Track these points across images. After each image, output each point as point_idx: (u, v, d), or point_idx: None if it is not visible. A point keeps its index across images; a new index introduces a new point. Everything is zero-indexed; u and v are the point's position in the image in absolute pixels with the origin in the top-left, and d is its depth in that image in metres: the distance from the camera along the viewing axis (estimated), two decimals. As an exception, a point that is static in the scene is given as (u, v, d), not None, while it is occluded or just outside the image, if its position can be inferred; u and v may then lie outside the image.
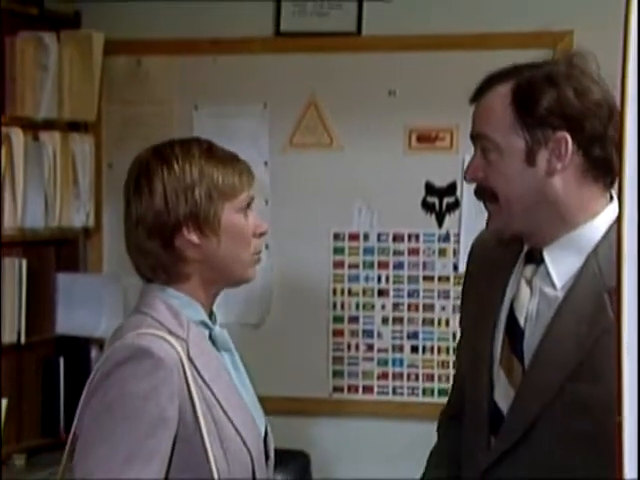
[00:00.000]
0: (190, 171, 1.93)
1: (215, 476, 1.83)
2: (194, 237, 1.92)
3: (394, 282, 3.56)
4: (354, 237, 3.59)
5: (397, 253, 3.57)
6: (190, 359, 1.87)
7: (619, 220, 1.28)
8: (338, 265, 3.59)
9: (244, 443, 1.89)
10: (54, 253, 3.64)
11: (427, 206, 3.55)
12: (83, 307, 3.57)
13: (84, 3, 3.66)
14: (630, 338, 1.24)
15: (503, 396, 1.94)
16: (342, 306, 3.59)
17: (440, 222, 3.56)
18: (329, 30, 3.55)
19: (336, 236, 3.59)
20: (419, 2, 3.49)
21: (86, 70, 3.49)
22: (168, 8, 3.64)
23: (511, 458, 1.91)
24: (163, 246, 1.93)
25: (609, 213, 1.91)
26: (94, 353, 3.65)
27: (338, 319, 3.60)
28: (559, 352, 1.87)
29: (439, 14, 3.45)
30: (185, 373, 1.84)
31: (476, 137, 1.93)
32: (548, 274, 1.91)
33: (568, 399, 1.85)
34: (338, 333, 3.60)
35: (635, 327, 1.25)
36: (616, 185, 1.87)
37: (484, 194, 1.94)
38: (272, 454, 2.03)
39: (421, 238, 3.53)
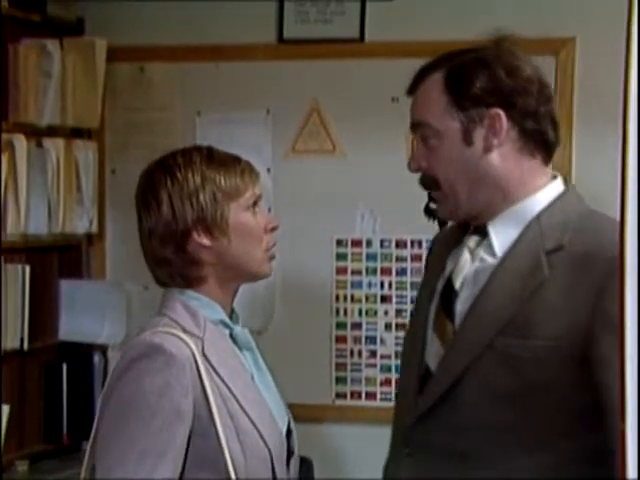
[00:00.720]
0: (193, 177, 1.97)
1: (231, 469, 1.87)
2: (205, 240, 1.97)
3: (397, 288, 3.56)
4: (357, 243, 3.59)
5: (400, 259, 3.57)
6: (205, 356, 1.91)
7: (621, 222, 1.28)
8: (341, 271, 3.59)
9: (261, 437, 1.92)
10: (57, 259, 3.65)
11: (430, 212, 3.55)
12: (86, 313, 3.57)
13: (87, 10, 3.67)
14: (632, 344, 1.24)
15: (433, 356, 1.97)
16: (345, 312, 3.60)
17: (442, 225, 3.55)
18: (332, 37, 3.56)
19: (339, 242, 3.60)
20: (422, 8, 3.50)
21: (89, 77, 3.49)
22: (171, 15, 3.65)
23: (436, 414, 1.93)
24: (176, 253, 1.97)
25: (552, 189, 1.97)
26: (97, 359, 3.65)
27: (341, 325, 3.60)
28: (491, 309, 1.90)
29: (442, 20, 3.46)
30: (198, 369, 1.88)
31: (415, 126, 1.99)
32: (490, 245, 1.96)
33: (497, 353, 1.87)
34: (341, 339, 3.60)
35: (635, 333, 1.25)
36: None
37: (428, 183, 2.00)
38: (296, 451, 2.06)
39: (424, 244, 3.53)
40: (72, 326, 3.58)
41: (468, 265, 1.98)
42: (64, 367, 3.59)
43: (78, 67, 3.48)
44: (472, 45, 2.01)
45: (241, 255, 2.00)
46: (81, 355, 3.64)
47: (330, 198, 3.59)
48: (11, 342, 3.31)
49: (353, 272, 3.59)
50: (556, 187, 1.98)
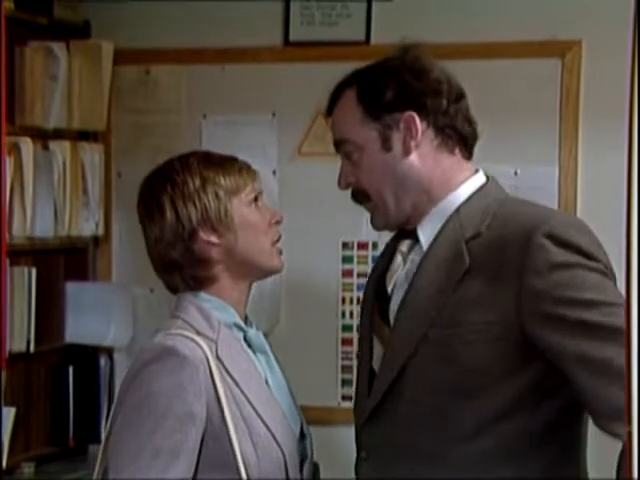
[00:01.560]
0: (192, 179, 2.00)
1: (242, 472, 1.87)
2: (212, 238, 1.99)
3: (403, 291, 3.56)
4: (363, 246, 3.59)
5: (406, 262, 3.56)
6: (218, 358, 1.93)
7: (627, 223, 1.28)
8: (347, 274, 3.59)
9: (274, 439, 1.93)
10: (63, 262, 3.65)
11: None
12: (92, 316, 3.57)
13: (94, 13, 3.67)
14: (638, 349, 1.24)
15: (377, 358, 2.02)
16: (351, 315, 3.59)
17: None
18: (338, 39, 3.56)
19: (345, 245, 3.59)
20: (427, 11, 3.49)
21: (95, 79, 3.49)
22: (177, 18, 3.65)
23: (381, 414, 1.96)
24: (185, 255, 1.99)
25: (472, 183, 2.01)
26: (103, 362, 3.65)
27: (347, 328, 3.60)
28: (421, 301, 1.94)
29: (447, 23, 3.45)
30: (211, 371, 1.89)
31: (338, 144, 2.07)
32: (421, 246, 2.00)
33: (431, 345, 1.90)
34: (347, 342, 3.60)
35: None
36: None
37: (359, 197, 2.06)
38: (310, 455, 2.07)
39: (430, 247, 3.53)
40: (78, 328, 3.58)
41: (400, 268, 2.02)
42: (70, 369, 3.59)
43: (84, 70, 3.48)
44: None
45: (249, 249, 2.02)
46: (87, 357, 3.64)
47: (336, 201, 3.55)
48: (17, 345, 3.31)
49: (359, 275, 3.59)
50: (477, 180, 2.02)
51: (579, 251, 1.85)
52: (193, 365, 1.88)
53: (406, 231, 2.05)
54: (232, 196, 2.01)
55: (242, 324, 2.04)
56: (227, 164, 2.05)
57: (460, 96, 2.03)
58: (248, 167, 2.08)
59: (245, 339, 2.04)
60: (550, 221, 1.88)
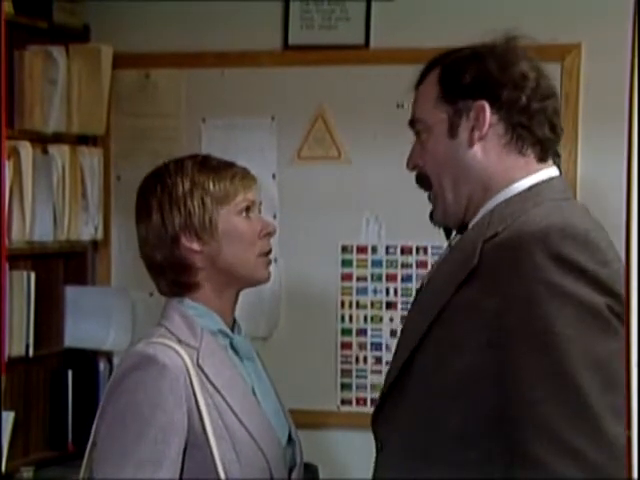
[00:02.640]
0: (182, 183, 1.98)
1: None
2: (194, 245, 1.97)
3: (402, 295, 3.56)
4: (362, 250, 3.58)
5: (405, 266, 3.56)
6: (199, 366, 1.90)
7: (627, 225, 1.28)
8: (346, 278, 3.59)
9: (258, 447, 1.91)
10: (62, 266, 3.65)
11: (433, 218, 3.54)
12: (91, 320, 3.57)
13: (93, 17, 3.67)
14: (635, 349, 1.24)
15: None
16: (350, 319, 3.59)
17: (448, 235, 3.55)
18: (337, 43, 3.56)
19: (344, 249, 3.59)
20: (427, 14, 3.50)
21: (95, 83, 3.49)
22: (177, 21, 3.65)
23: (385, 413, 1.93)
24: (168, 259, 1.98)
25: (528, 180, 1.89)
26: (102, 366, 3.65)
27: (346, 332, 3.59)
28: (429, 298, 1.89)
29: (447, 26, 3.45)
30: (191, 380, 1.87)
31: (412, 123, 1.99)
32: None
33: (431, 345, 1.84)
34: (346, 346, 3.59)
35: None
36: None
37: (422, 181, 1.99)
38: (299, 461, 2.05)
39: (429, 251, 3.53)
40: (77, 332, 3.58)
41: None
42: (69, 374, 3.59)
43: (84, 74, 3.48)
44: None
45: (232, 259, 1.99)
46: (86, 361, 3.63)
47: (335, 204, 3.58)
48: (17, 349, 3.31)
49: (358, 278, 3.58)
50: (533, 178, 1.90)
51: (578, 270, 1.73)
52: (173, 374, 1.87)
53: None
54: (220, 205, 1.98)
55: (227, 331, 2.02)
56: (222, 170, 2.01)
57: (547, 96, 1.91)
58: (245, 175, 2.04)
59: (231, 346, 2.02)
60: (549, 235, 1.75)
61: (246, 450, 1.91)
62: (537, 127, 1.89)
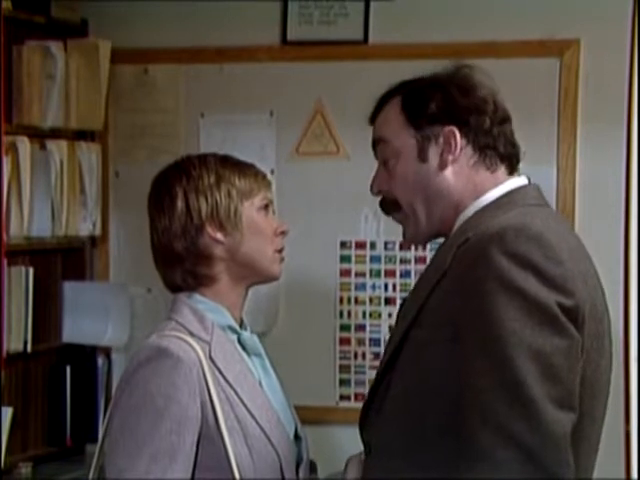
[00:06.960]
0: (207, 175, 2.03)
1: (236, 473, 1.87)
2: (218, 235, 2.00)
3: (401, 290, 3.56)
4: (361, 245, 3.58)
5: (404, 261, 3.56)
6: (212, 360, 1.93)
7: (626, 221, 1.29)
8: (345, 273, 3.59)
9: (269, 441, 1.93)
10: (61, 262, 3.65)
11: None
12: (89, 316, 3.57)
13: (91, 12, 3.67)
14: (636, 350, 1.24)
15: None
16: (349, 314, 3.59)
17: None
18: (336, 38, 3.55)
19: (343, 244, 3.59)
20: (425, 10, 3.49)
21: (93, 79, 3.49)
22: (175, 17, 3.65)
23: (369, 414, 1.99)
24: (189, 248, 2.00)
25: (499, 189, 1.97)
26: (100, 362, 3.65)
27: (345, 327, 3.60)
28: (411, 303, 1.95)
29: (446, 22, 3.45)
30: (204, 373, 1.89)
31: (376, 143, 2.07)
32: None
33: (410, 346, 1.90)
34: (345, 341, 3.60)
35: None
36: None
37: (388, 206, 2.05)
38: (305, 457, 2.07)
39: (428, 246, 3.52)
40: (76, 328, 3.58)
41: None
42: (68, 369, 3.59)
43: (82, 69, 3.48)
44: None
45: (253, 252, 2.03)
46: (85, 357, 3.64)
47: (334, 200, 3.58)
48: (15, 344, 3.31)
49: (357, 274, 3.59)
50: (504, 187, 1.98)
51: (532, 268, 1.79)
52: (187, 366, 1.89)
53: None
54: (244, 198, 2.04)
55: (236, 327, 2.04)
56: (244, 167, 2.08)
57: (505, 119, 2.01)
58: (264, 175, 2.11)
59: (239, 342, 2.04)
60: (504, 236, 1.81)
61: (258, 444, 1.93)
62: (501, 147, 1.98)
